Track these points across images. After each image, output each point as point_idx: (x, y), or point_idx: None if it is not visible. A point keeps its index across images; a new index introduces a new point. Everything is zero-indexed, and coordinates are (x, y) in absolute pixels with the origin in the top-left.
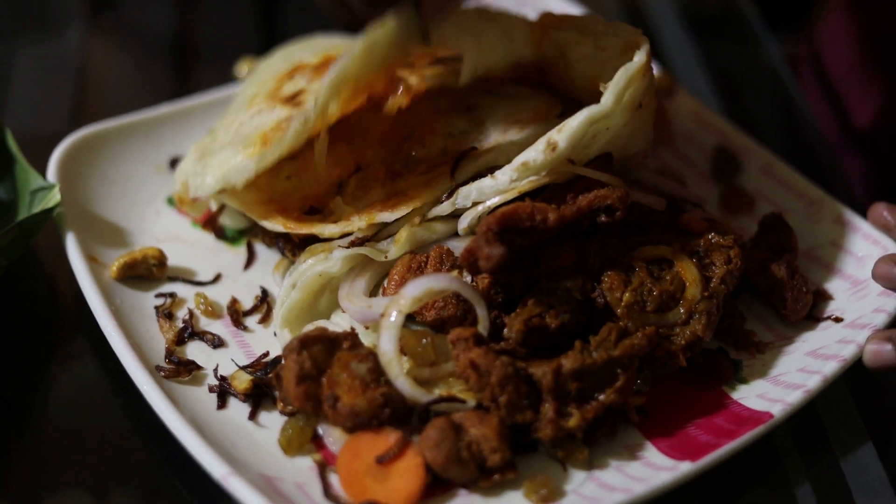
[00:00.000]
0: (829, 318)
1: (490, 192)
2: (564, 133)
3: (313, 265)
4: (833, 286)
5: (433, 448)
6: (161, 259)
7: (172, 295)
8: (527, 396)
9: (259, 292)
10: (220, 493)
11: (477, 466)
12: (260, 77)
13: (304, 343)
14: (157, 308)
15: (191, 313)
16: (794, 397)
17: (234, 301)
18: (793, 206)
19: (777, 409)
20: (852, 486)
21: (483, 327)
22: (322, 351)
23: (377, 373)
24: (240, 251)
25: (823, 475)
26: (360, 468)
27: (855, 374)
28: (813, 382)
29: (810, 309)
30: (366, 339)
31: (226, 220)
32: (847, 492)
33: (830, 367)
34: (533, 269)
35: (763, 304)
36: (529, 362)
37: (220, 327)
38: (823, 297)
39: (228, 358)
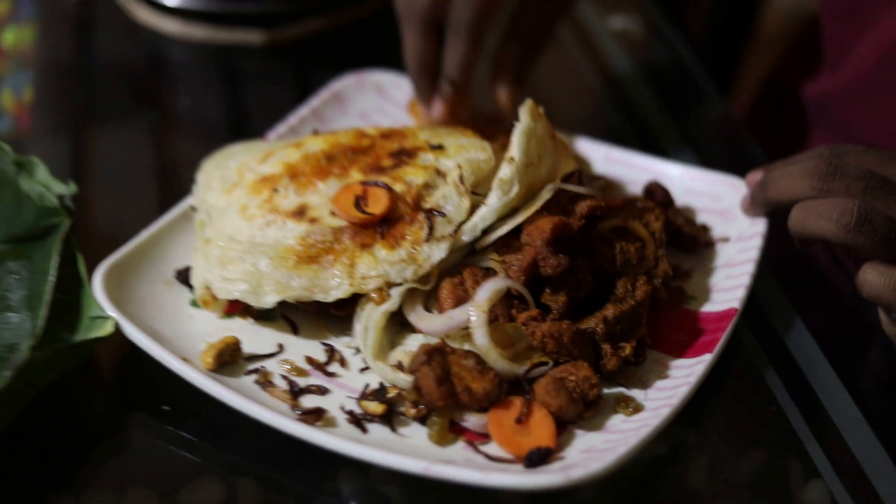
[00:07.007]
0: (719, 240)
1: (490, 215)
2: (514, 148)
3: (375, 307)
4: (706, 220)
5: (555, 397)
6: (237, 343)
7: (258, 370)
8: (588, 345)
9: (322, 347)
10: None
11: (583, 403)
12: (212, 185)
13: (429, 355)
14: (257, 382)
15: (287, 377)
16: (740, 293)
17: (310, 359)
18: (640, 177)
19: (736, 304)
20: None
21: (533, 308)
22: (441, 358)
23: (481, 362)
24: (279, 325)
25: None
26: (508, 432)
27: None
28: (745, 279)
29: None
30: (452, 344)
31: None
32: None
33: (749, 268)
34: None
35: (668, 246)
36: (576, 322)
37: (314, 381)
38: (705, 230)
39: (337, 398)
